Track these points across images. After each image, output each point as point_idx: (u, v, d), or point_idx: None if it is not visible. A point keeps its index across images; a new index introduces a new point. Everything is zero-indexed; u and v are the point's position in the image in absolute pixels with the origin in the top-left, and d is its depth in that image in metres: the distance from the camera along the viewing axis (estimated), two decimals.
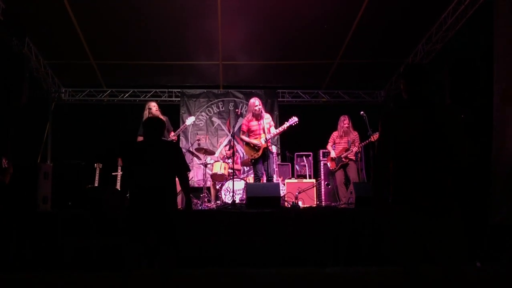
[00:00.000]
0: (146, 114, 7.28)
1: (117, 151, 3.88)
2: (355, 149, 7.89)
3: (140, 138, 6.85)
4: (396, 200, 2.94)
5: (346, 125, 8.12)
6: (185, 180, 4.18)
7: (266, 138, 7.13)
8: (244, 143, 7.58)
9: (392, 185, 2.97)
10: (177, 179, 4.14)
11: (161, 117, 7.35)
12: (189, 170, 4.49)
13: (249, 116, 7.46)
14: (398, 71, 9.83)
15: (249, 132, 7.44)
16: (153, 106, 7.35)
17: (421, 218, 2.84)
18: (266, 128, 7.25)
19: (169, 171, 4.02)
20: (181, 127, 8.26)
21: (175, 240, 3.95)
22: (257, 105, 7.31)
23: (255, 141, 7.26)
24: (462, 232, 2.85)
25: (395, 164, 2.97)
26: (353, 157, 7.95)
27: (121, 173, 8.55)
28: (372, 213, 5.60)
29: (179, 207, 7.48)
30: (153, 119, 4.41)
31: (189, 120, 7.99)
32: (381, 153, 3.02)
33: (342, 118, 8.23)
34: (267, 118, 7.47)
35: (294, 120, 7.28)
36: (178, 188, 7.37)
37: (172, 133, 7.41)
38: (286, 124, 7.30)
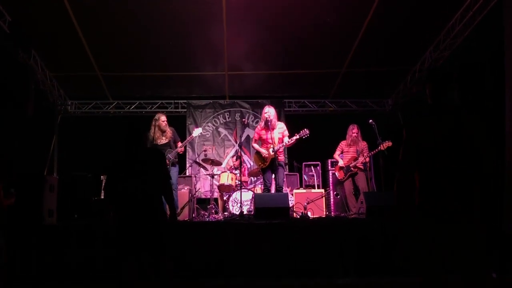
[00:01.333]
0: (153, 125, 7.24)
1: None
2: (362, 159, 7.79)
3: None
4: (421, 209, 2.86)
5: (355, 133, 8.04)
6: (167, 189, 4.06)
7: (273, 149, 6.98)
8: (254, 151, 7.48)
9: (418, 193, 2.88)
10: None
11: (168, 129, 7.31)
12: (170, 178, 4.37)
13: (262, 124, 7.34)
14: (405, 79, 9.76)
15: (261, 141, 7.33)
16: (163, 122, 7.28)
17: (446, 227, 2.76)
18: (277, 138, 7.10)
19: (155, 180, 3.90)
20: (188, 139, 8.21)
21: (166, 250, 3.86)
22: (266, 112, 7.19)
23: (263, 150, 7.15)
24: (485, 242, 2.76)
25: (420, 172, 2.88)
26: (362, 166, 7.85)
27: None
28: (384, 223, 5.56)
29: (187, 218, 7.43)
30: (131, 129, 4.28)
31: (196, 132, 7.94)
32: (406, 160, 2.92)
33: (351, 127, 8.16)
34: (280, 128, 7.28)
35: (305, 132, 7.03)
36: (186, 199, 7.30)
37: (180, 143, 7.35)
38: (296, 136, 7.08)
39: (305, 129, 7.06)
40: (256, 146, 7.34)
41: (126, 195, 3.80)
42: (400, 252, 5.25)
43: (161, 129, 7.26)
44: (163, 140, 7.25)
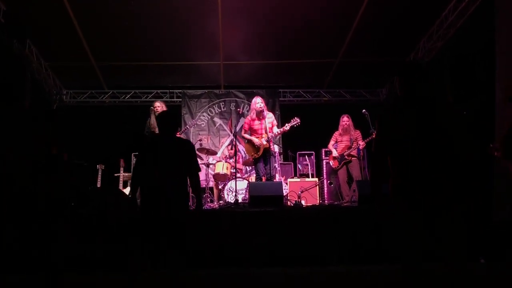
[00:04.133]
0: (152, 112, 7.31)
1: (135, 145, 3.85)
2: (362, 144, 7.86)
3: None
4: (396, 197, 2.93)
5: (346, 122, 8.15)
6: (195, 181, 4.10)
7: (268, 138, 7.19)
8: (246, 141, 7.65)
9: (392, 182, 2.96)
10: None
11: None
12: (200, 171, 4.41)
13: (252, 115, 7.49)
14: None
15: (251, 131, 7.49)
16: (157, 107, 7.34)
17: (421, 214, 2.83)
18: (268, 128, 7.28)
19: (181, 170, 3.94)
20: (183, 128, 8.24)
21: (185, 242, 3.90)
22: (258, 103, 7.36)
23: (256, 140, 7.32)
24: (463, 228, 2.83)
25: (393, 161, 2.96)
26: (355, 154, 7.95)
27: (123, 174, 8.55)
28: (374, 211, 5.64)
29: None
30: (167, 113, 4.31)
31: (191, 123, 8.06)
32: (378, 150, 3.01)
33: (342, 116, 8.27)
34: (269, 118, 7.48)
35: (296, 121, 7.27)
36: None
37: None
38: (288, 125, 7.30)
39: (296, 118, 7.25)
40: (247, 136, 7.51)
41: (151, 182, 3.84)
42: (386, 239, 5.37)
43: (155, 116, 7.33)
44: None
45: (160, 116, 4.19)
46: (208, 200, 7.95)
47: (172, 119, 4.17)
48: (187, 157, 3.99)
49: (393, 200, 2.94)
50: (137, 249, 3.82)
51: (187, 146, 4.15)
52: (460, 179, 2.83)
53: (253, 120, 7.47)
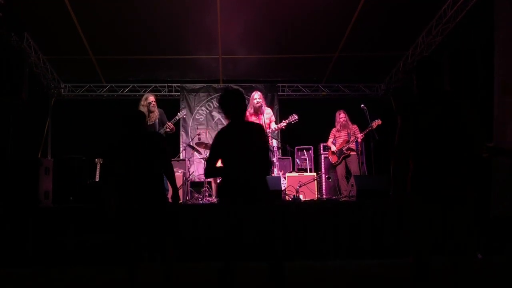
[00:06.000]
0: (144, 104, 7.29)
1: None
2: (360, 136, 7.88)
3: None
4: (415, 191, 2.96)
5: (343, 118, 8.17)
6: (169, 171, 4.11)
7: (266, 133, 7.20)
8: None
9: (412, 176, 2.99)
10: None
11: (156, 110, 7.36)
12: (170, 161, 4.39)
13: (250, 110, 7.48)
14: (398, 64, 9.82)
15: None
16: (150, 102, 7.31)
17: (439, 208, 2.87)
18: (265, 123, 7.28)
19: (153, 163, 3.95)
20: (172, 119, 8.10)
21: (169, 233, 3.93)
22: (256, 98, 7.34)
23: None
24: (472, 221, 2.89)
25: (414, 155, 2.98)
26: (354, 147, 7.96)
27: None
28: (374, 205, 5.69)
29: (181, 201, 7.51)
30: (131, 114, 4.27)
31: (180, 114, 8.07)
32: (402, 143, 3.02)
33: (337, 113, 8.30)
34: (267, 113, 7.49)
35: (294, 118, 7.28)
36: (180, 182, 7.34)
37: (168, 124, 7.38)
38: (285, 122, 7.31)
39: (294, 114, 7.26)
40: None
41: (124, 179, 3.85)
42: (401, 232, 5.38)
43: (149, 109, 7.30)
44: (148, 121, 7.28)
45: (125, 119, 4.17)
46: (207, 194, 7.96)
47: (137, 118, 4.17)
48: (155, 149, 4.01)
49: (413, 193, 2.97)
50: (123, 243, 3.85)
51: (155, 138, 4.19)
52: (472, 172, 2.89)
53: (251, 115, 7.46)
